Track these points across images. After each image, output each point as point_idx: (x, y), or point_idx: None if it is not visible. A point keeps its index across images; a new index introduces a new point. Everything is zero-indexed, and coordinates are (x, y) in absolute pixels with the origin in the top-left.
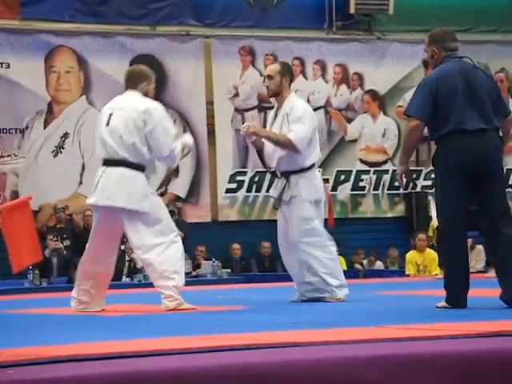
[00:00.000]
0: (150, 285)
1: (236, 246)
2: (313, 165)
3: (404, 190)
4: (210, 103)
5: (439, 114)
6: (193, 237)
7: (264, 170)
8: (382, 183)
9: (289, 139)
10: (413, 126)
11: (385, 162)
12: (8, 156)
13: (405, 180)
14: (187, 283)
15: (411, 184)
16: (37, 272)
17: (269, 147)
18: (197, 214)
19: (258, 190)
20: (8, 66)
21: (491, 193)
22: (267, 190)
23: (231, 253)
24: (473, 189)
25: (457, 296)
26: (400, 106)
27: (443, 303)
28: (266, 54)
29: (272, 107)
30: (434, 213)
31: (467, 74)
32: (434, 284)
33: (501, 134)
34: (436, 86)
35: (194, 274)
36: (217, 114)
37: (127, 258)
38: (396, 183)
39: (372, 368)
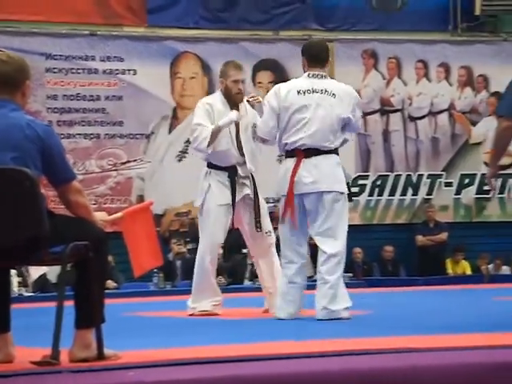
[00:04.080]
0: None
1: (358, 250)
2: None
3: (498, 194)
4: None
5: None
6: None
7: (386, 173)
8: (507, 186)
9: None
10: (504, 126)
11: (510, 166)
12: (134, 161)
13: (494, 183)
14: (309, 287)
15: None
16: (161, 275)
17: None
18: None
19: (381, 194)
20: (135, 72)
21: None
22: (389, 194)
23: (353, 257)
24: None
25: None
26: None
27: None
28: (389, 58)
29: (395, 110)
30: None
31: None
32: None
33: None
34: None
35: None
36: None
37: (249, 262)
38: None
39: (496, 374)
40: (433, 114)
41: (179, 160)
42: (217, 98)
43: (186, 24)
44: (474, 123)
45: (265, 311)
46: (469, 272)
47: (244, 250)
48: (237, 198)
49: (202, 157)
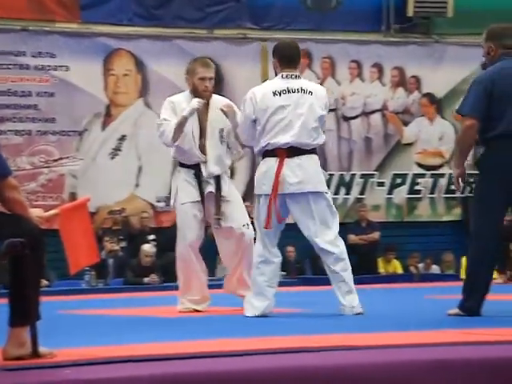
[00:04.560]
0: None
1: (290, 248)
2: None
3: (461, 193)
4: None
5: (491, 115)
6: None
7: (331, 172)
8: (438, 187)
9: None
10: (467, 125)
11: (441, 166)
12: (66, 158)
13: (461, 184)
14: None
15: (468, 188)
16: (93, 273)
17: None
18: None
19: None
20: (67, 69)
21: None
22: (334, 193)
23: (286, 255)
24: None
25: (477, 304)
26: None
27: (456, 310)
28: (323, 57)
29: (329, 110)
30: None
31: None
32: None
33: None
34: (491, 85)
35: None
36: None
37: None
38: (452, 187)
39: (428, 373)
40: (366, 114)
41: (112, 157)
42: (183, 97)
43: (119, 20)
44: (406, 123)
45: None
46: (400, 271)
47: None
48: (199, 196)
49: (172, 155)
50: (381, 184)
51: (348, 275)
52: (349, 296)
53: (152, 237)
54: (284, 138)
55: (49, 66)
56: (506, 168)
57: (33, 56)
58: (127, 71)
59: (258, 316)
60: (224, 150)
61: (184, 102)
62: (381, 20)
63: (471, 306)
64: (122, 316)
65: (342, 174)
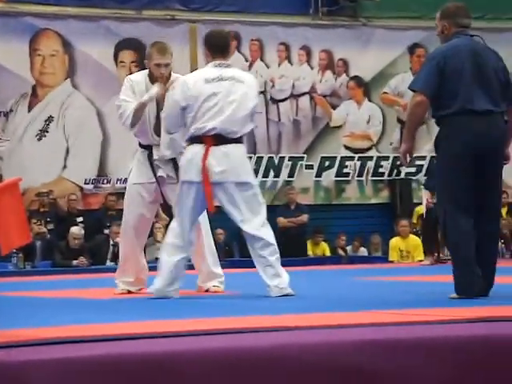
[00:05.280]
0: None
1: (220, 231)
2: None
3: (407, 167)
4: None
5: (444, 92)
6: None
7: (248, 155)
8: (366, 169)
9: None
10: (417, 101)
11: (369, 149)
12: None
13: (409, 159)
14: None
15: (395, 170)
16: (21, 255)
17: None
18: None
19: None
20: None
21: (489, 181)
22: (263, 176)
23: (215, 238)
24: (475, 173)
25: (467, 284)
26: (385, 93)
27: (454, 294)
28: (252, 40)
29: (258, 93)
30: (424, 200)
31: (477, 52)
32: (417, 270)
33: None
34: (444, 62)
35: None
36: None
37: (111, 243)
38: (380, 169)
39: (357, 353)
40: (294, 96)
41: (39, 139)
42: (142, 76)
43: (46, 0)
44: (334, 107)
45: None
46: (328, 253)
47: (106, 231)
48: (151, 178)
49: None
50: (309, 167)
51: (275, 261)
52: (276, 279)
53: (80, 219)
54: (211, 124)
55: None
56: (465, 146)
57: None
58: (54, 52)
59: (157, 297)
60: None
61: (142, 82)
62: (309, 3)
63: (463, 287)
64: (51, 298)
65: (270, 157)
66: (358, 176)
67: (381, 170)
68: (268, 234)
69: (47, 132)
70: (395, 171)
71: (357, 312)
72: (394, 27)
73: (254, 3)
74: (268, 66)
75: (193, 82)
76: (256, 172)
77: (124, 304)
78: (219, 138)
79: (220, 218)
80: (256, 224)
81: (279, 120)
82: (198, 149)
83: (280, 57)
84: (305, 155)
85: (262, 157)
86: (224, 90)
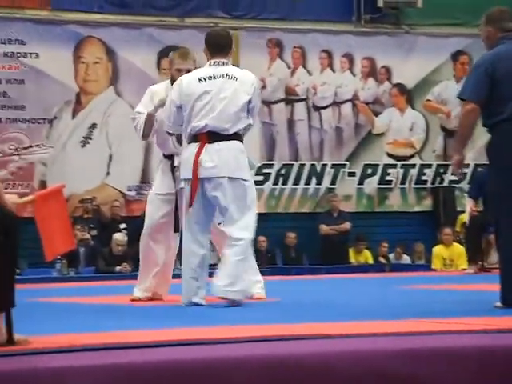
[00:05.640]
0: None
1: (262, 238)
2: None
3: (459, 181)
4: None
5: (494, 99)
6: None
7: (290, 162)
8: (409, 177)
9: None
10: (468, 110)
11: (412, 156)
12: (36, 146)
13: (462, 170)
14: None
15: (438, 178)
16: (64, 262)
17: None
18: None
19: (285, 183)
20: (37, 56)
21: None
22: (294, 183)
23: (257, 245)
24: None
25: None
26: (428, 100)
27: (499, 303)
28: (294, 47)
29: (300, 100)
30: (467, 208)
31: None
32: (461, 278)
33: None
34: (492, 68)
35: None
36: None
37: None
38: (424, 177)
39: (402, 361)
40: (336, 103)
41: (83, 145)
42: (163, 86)
43: (89, 8)
44: (376, 114)
45: None
46: (370, 261)
47: None
48: (173, 189)
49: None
50: (352, 174)
51: (237, 261)
52: (226, 279)
53: (123, 225)
54: (203, 122)
55: (19, 53)
56: None
57: (2, 43)
58: (98, 59)
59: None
60: None
61: (163, 91)
62: (351, 10)
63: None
64: (95, 304)
65: (312, 164)
66: (400, 184)
67: (424, 177)
68: (245, 236)
69: (91, 139)
70: (438, 179)
71: (400, 320)
72: (436, 34)
73: (296, 10)
74: (310, 74)
75: (187, 82)
76: (298, 179)
77: (166, 311)
78: (213, 136)
79: (262, 226)
80: (239, 226)
81: (321, 127)
82: (193, 147)
83: (322, 64)
84: (347, 162)
85: (304, 164)
86: (216, 87)
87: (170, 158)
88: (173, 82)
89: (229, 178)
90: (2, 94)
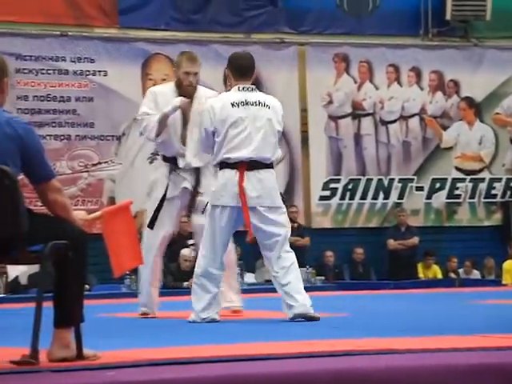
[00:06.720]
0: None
1: (329, 253)
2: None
3: (469, 198)
4: (303, 110)
5: None
6: None
7: (357, 177)
8: (478, 191)
9: None
10: None
11: (481, 170)
12: (105, 162)
13: None
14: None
15: (508, 192)
16: (133, 277)
17: None
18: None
19: (352, 198)
20: (105, 73)
21: None
22: (361, 198)
23: (324, 260)
24: None
25: None
26: (497, 114)
27: None
28: (361, 61)
29: (367, 114)
30: None
31: None
32: None
33: None
34: None
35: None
36: (310, 121)
37: None
38: (493, 191)
39: (470, 378)
40: (404, 118)
41: (151, 162)
42: (168, 88)
43: (157, 25)
44: (445, 128)
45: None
46: (439, 276)
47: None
48: (176, 191)
49: (155, 147)
50: (420, 188)
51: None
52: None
53: (191, 241)
54: (245, 152)
55: (88, 71)
56: None
57: (72, 61)
58: (165, 76)
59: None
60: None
61: (168, 93)
62: (418, 24)
63: None
64: (163, 319)
65: (380, 179)
66: (469, 198)
67: (493, 191)
68: (287, 257)
69: (158, 155)
70: (508, 193)
71: (467, 336)
72: (505, 47)
73: (362, 25)
74: (377, 88)
75: (220, 106)
76: (365, 194)
77: (230, 325)
78: (253, 164)
79: (330, 241)
80: (282, 252)
81: (389, 142)
82: (231, 174)
83: (389, 78)
84: (415, 177)
85: (372, 178)
86: (250, 114)
87: (172, 160)
88: (179, 84)
89: (270, 207)
90: (71, 112)
